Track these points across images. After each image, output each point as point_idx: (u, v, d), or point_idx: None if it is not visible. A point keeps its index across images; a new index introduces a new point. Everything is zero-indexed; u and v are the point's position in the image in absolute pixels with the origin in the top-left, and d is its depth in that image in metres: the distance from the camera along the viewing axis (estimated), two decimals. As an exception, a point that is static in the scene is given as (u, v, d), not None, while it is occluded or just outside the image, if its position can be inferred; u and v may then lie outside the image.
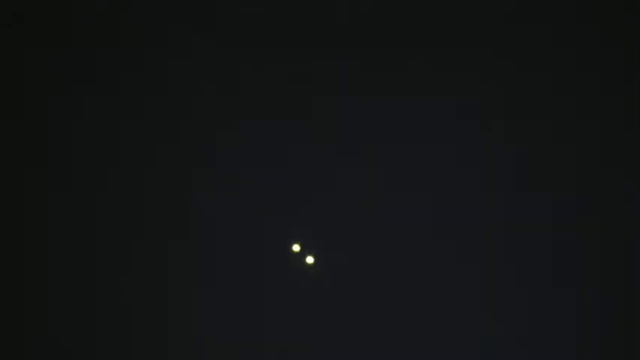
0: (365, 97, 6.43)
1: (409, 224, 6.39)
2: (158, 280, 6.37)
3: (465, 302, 6.32)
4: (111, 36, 6.43)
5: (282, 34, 6.46)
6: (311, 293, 6.39)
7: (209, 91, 6.46)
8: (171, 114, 6.46)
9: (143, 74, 6.44)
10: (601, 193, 6.32)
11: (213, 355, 6.32)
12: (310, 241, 6.39)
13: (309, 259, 6.36)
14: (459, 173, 6.40)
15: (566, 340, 6.24)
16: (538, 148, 6.37)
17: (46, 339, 6.27)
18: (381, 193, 6.42)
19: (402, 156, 6.43)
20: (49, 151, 6.42)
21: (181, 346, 6.34)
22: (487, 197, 6.38)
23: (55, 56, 6.42)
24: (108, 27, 6.43)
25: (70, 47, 6.42)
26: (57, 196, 6.40)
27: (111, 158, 6.43)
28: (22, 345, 6.24)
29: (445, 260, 6.34)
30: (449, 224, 6.37)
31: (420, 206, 6.42)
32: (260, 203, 6.42)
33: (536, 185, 6.38)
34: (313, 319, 6.36)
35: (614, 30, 6.35)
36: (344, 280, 6.38)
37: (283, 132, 6.45)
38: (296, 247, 6.34)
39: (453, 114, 6.39)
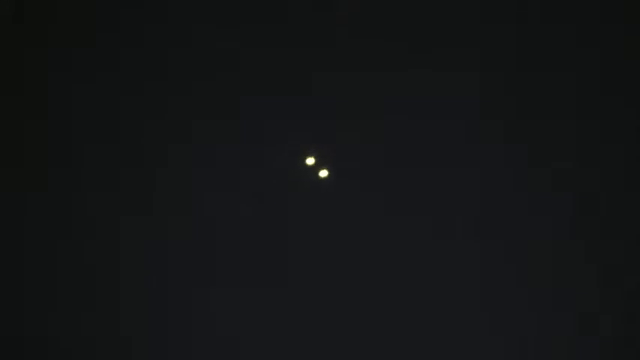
0: (363, 97, 6.45)
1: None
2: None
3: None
4: (111, 36, 6.46)
5: (282, 35, 6.48)
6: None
7: (209, 89, 6.48)
8: (171, 113, 6.48)
9: (143, 74, 6.46)
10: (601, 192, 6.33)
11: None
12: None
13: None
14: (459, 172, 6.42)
15: None
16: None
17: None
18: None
19: (399, 156, 6.45)
20: (49, 151, 6.44)
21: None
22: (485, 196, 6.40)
23: (55, 56, 6.44)
24: (108, 27, 6.46)
25: (70, 47, 6.44)
26: (57, 196, 6.43)
27: (111, 157, 6.45)
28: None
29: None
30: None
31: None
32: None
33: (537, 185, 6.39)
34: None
35: (618, 29, 6.35)
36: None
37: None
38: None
39: (451, 114, 6.41)
